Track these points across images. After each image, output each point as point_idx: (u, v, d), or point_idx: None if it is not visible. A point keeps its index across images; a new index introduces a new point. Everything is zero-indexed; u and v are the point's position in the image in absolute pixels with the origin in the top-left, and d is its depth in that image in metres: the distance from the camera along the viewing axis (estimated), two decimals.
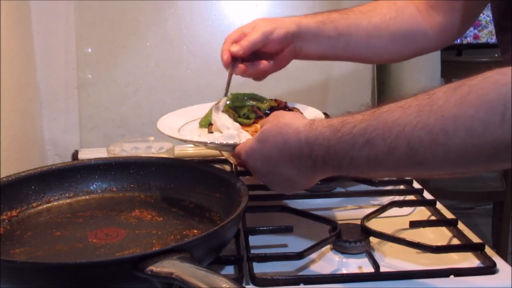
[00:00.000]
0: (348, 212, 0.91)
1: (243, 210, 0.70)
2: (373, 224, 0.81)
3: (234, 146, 0.78)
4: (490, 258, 0.72)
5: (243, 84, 0.99)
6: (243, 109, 0.94)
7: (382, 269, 0.70)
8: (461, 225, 0.82)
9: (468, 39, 2.98)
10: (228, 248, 0.72)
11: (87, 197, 0.87)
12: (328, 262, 0.75)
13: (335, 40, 0.92)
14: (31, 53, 1.23)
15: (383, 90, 1.50)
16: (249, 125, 0.92)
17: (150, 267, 0.55)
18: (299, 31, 0.90)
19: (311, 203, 0.92)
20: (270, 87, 1.34)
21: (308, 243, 0.74)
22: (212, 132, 0.90)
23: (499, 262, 0.71)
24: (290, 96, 1.17)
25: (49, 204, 0.84)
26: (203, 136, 0.89)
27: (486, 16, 2.94)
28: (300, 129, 0.66)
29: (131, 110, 1.31)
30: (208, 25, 1.30)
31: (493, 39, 2.98)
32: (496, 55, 2.98)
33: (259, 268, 0.71)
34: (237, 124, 0.88)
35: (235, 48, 0.88)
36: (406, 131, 0.55)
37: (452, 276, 0.69)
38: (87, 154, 1.20)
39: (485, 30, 2.97)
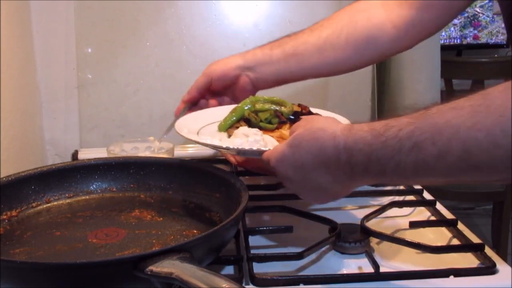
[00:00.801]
0: (348, 212, 0.91)
1: (243, 210, 0.70)
2: (373, 224, 0.81)
3: (260, 152, 0.75)
4: (490, 259, 0.72)
5: None
6: (265, 114, 0.91)
7: (382, 269, 0.70)
8: (461, 226, 0.82)
9: (468, 39, 2.99)
10: (228, 248, 0.72)
11: (87, 197, 0.87)
12: (328, 262, 0.75)
13: (284, 62, 0.94)
14: (31, 53, 1.23)
15: (383, 90, 1.50)
16: (272, 130, 0.89)
17: (150, 267, 0.55)
18: (244, 62, 0.95)
19: (311, 203, 0.92)
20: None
21: (308, 243, 0.74)
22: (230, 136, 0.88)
23: (499, 262, 0.71)
24: (290, 97, 1.17)
25: (49, 204, 0.84)
26: (225, 140, 0.86)
27: (485, 16, 2.94)
28: (337, 134, 0.63)
29: (131, 110, 1.31)
30: (208, 25, 1.30)
31: (493, 40, 2.98)
32: (495, 55, 2.99)
33: (259, 268, 0.71)
34: (254, 130, 0.85)
35: (185, 97, 0.98)
36: (460, 133, 0.52)
37: (452, 277, 0.69)
38: (87, 154, 1.20)
39: (485, 30, 2.97)
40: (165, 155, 1.05)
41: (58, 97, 1.28)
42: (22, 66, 1.17)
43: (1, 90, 0.99)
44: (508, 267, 0.71)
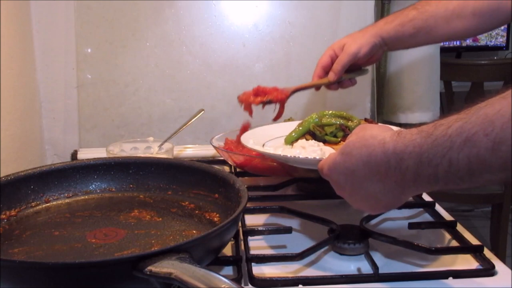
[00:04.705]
0: (347, 213, 0.91)
1: (242, 210, 0.70)
2: (372, 226, 0.81)
3: (317, 161, 0.74)
4: (488, 260, 0.72)
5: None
6: (330, 128, 0.93)
7: (381, 271, 0.70)
8: (459, 227, 0.82)
9: (468, 41, 2.99)
10: (227, 248, 0.72)
11: (86, 197, 0.87)
12: (327, 263, 0.75)
13: (415, 36, 1.05)
14: (31, 53, 1.23)
15: (382, 92, 1.50)
16: (336, 143, 0.90)
17: (149, 267, 0.55)
18: (382, 42, 1.06)
19: (310, 204, 0.92)
20: None
21: (307, 244, 0.74)
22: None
23: (498, 264, 0.71)
24: (291, 99, 1.17)
25: (48, 204, 0.84)
26: (286, 150, 0.89)
27: None
28: (387, 140, 0.60)
29: (131, 110, 1.31)
30: (208, 26, 1.31)
31: (492, 42, 2.98)
32: (495, 58, 2.99)
33: (258, 269, 0.71)
34: (312, 141, 0.88)
35: (332, 77, 1.08)
36: None
37: (450, 278, 0.69)
38: (86, 154, 1.21)
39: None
40: (164, 155, 1.05)
41: (57, 97, 1.28)
42: (22, 66, 1.17)
43: (1, 90, 0.99)
44: (507, 269, 0.71)
